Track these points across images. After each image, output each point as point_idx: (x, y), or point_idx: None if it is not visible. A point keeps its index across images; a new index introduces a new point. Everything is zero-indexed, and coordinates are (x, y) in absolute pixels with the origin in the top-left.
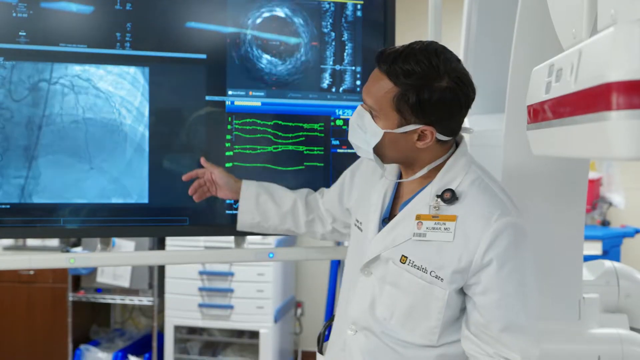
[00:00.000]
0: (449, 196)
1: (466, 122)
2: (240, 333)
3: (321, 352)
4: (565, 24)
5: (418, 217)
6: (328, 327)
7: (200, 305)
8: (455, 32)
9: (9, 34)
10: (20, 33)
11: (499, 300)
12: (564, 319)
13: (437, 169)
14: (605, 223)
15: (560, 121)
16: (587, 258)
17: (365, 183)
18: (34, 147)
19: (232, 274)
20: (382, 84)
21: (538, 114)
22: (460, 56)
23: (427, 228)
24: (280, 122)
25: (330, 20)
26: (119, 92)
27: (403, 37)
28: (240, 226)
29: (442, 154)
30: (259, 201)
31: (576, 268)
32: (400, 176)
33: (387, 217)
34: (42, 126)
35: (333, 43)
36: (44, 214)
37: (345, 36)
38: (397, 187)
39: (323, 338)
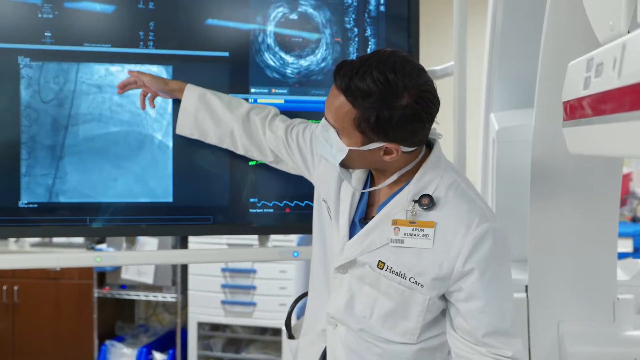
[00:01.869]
0: (427, 202)
1: (435, 127)
2: (263, 330)
3: (292, 337)
4: (602, 16)
5: (394, 223)
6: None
7: (223, 302)
8: (481, 25)
9: (35, 35)
10: (45, 34)
11: (483, 307)
12: (598, 320)
13: (411, 172)
14: (635, 219)
15: (602, 118)
16: (619, 256)
17: None
18: (61, 147)
19: (254, 271)
20: (340, 104)
21: (575, 110)
22: (486, 49)
23: (404, 234)
24: (306, 120)
25: (353, 16)
26: None
27: (427, 31)
28: (179, 133)
29: (412, 159)
30: (198, 118)
31: (610, 268)
32: (370, 178)
33: (364, 217)
34: (69, 126)
35: (356, 39)
36: (70, 213)
37: (369, 31)
38: (371, 185)
39: (290, 323)
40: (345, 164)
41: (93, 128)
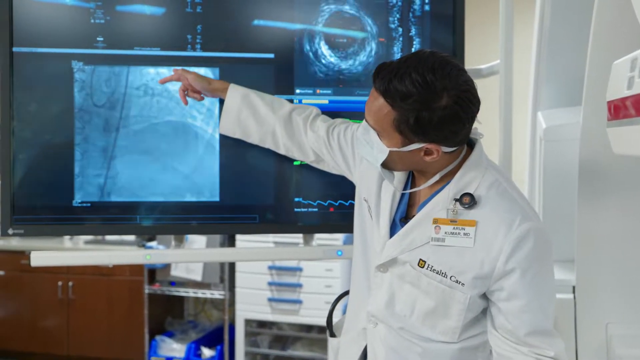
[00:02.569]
0: (468, 201)
1: (476, 126)
2: (308, 328)
3: (333, 335)
4: None
5: (435, 221)
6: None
7: (270, 300)
8: (527, 23)
9: (88, 39)
10: (98, 38)
11: (524, 306)
12: None
13: (452, 171)
14: None
15: None
16: None
17: None
18: (112, 147)
19: (300, 269)
20: (380, 106)
21: (619, 110)
22: (533, 47)
23: (445, 233)
24: (348, 119)
25: (398, 15)
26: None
27: (473, 30)
28: (222, 132)
29: (454, 159)
30: (240, 117)
31: None
32: (411, 178)
33: (404, 217)
34: (119, 127)
35: (400, 38)
36: (121, 212)
37: (413, 31)
38: (411, 185)
39: (332, 322)
40: (386, 165)
41: (143, 129)
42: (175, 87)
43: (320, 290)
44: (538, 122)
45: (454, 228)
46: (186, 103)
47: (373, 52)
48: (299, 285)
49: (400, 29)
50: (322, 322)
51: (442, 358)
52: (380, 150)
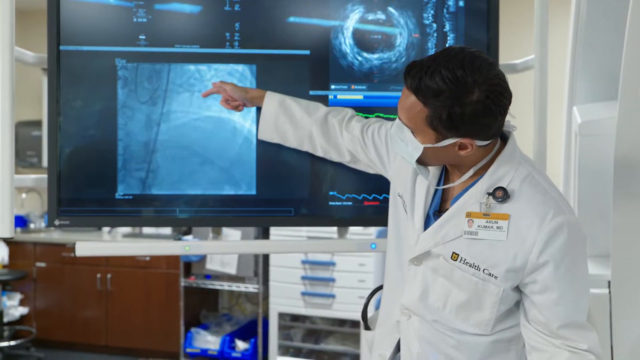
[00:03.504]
0: (501, 195)
1: (509, 119)
2: (341, 322)
3: (368, 328)
4: None
5: (468, 215)
6: (368, 303)
7: (303, 294)
8: (562, 17)
9: (131, 37)
10: (140, 36)
11: (558, 299)
12: None
13: (485, 165)
14: None
15: None
16: None
17: None
18: (153, 142)
19: (333, 264)
20: (412, 103)
21: None
22: (569, 41)
23: (478, 226)
24: (382, 115)
25: (432, 12)
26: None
27: (508, 26)
28: (261, 138)
29: (487, 153)
30: (278, 123)
31: None
32: (445, 173)
33: (438, 210)
34: (160, 123)
35: (435, 34)
36: (161, 204)
37: (447, 27)
38: (445, 179)
39: (367, 314)
40: (421, 162)
41: (183, 124)
42: (212, 80)
43: (353, 285)
44: (573, 117)
45: (487, 222)
46: (232, 109)
47: (407, 48)
48: (332, 280)
49: (434, 25)
50: (355, 316)
51: (476, 350)
52: (414, 147)
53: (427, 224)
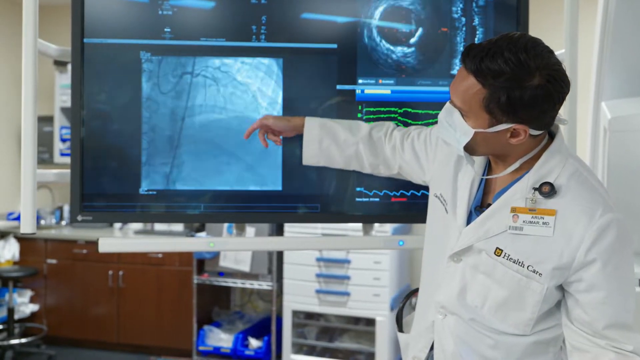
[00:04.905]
0: (548, 190)
1: (561, 112)
2: (356, 320)
3: (402, 330)
4: None
5: (513, 210)
6: (403, 306)
7: (317, 292)
8: (590, 10)
9: (156, 30)
10: (165, 29)
11: (604, 298)
12: None
13: (531, 160)
14: None
15: None
16: None
17: (447, 155)
18: (178, 137)
19: (348, 262)
20: (469, 85)
21: None
22: (596, 35)
23: (523, 222)
24: (409, 109)
25: (461, 5)
26: (254, 82)
27: (538, 20)
28: (306, 163)
29: (535, 146)
30: (322, 146)
31: None
32: (487, 166)
33: (479, 205)
34: (185, 117)
35: (464, 28)
36: (186, 200)
37: (477, 21)
38: (488, 174)
39: (402, 317)
40: (469, 149)
41: (208, 118)
42: (242, 76)
43: (368, 283)
44: (602, 113)
45: (532, 217)
46: (267, 145)
47: (435, 42)
48: (347, 278)
49: (463, 19)
50: (370, 314)
51: (514, 351)
52: (464, 132)
53: (469, 220)
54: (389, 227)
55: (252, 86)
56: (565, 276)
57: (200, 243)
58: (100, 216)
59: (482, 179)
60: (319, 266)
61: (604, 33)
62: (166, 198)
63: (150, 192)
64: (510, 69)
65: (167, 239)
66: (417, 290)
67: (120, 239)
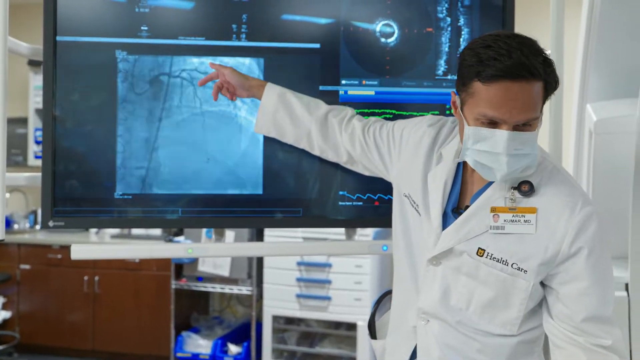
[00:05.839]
0: (527, 188)
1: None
2: (337, 325)
3: (375, 337)
4: None
5: (493, 210)
6: (375, 312)
7: (298, 296)
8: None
9: (132, 28)
10: (142, 27)
11: (585, 289)
12: None
13: None
14: None
15: None
16: None
17: (413, 154)
18: (154, 139)
19: (329, 265)
20: (533, 88)
21: None
22: (581, 38)
23: (504, 221)
24: (394, 111)
25: (446, 5)
26: None
27: (523, 21)
28: (257, 132)
29: None
30: (276, 117)
31: None
32: (463, 167)
33: (456, 207)
34: (162, 118)
35: (449, 29)
36: (163, 204)
37: (462, 21)
38: (462, 175)
39: (374, 323)
40: None
41: (186, 120)
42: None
43: (349, 287)
44: (587, 115)
45: (513, 216)
46: (215, 99)
47: (420, 43)
48: (328, 282)
49: (448, 19)
50: (351, 319)
51: (501, 352)
52: (535, 140)
53: (444, 223)
54: (370, 231)
55: None
56: (548, 270)
57: (178, 249)
58: (73, 221)
59: (455, 180)
60: (300, 270)
61: (589, 35)
62: (142, 202)
63: (126, 196)
64: (545, 56)
65: (143, 245)
66: (387, 293)
67: (94, 245)
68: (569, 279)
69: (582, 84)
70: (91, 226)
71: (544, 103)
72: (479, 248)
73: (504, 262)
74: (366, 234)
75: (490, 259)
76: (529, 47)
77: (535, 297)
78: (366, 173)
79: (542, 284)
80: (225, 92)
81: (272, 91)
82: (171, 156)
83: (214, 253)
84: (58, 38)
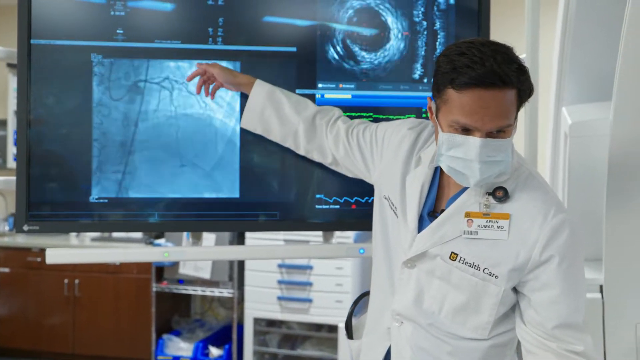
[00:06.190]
0: (502, 194)
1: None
2: (318, 327)
3: (351, 337)
4: None
5: (468, 215)
6: (352, 313)
7: (279, 298)
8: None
9: (107, 32)
10: (117, 31)
11: (557, 297)
12: None
13: None
14: None
15: None
16: None
17: (393, 157)
18: (130, 142)
19: (310, 268)
20: (507, 98)
21: None
22: (556, 41)
23: (478, 226)
24: (371, 114)
25: (422, 9)
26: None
27: (498, 25)
28: (243, 127)
29: None
30: (264, 115)
31: None
32: (440, 171)
33: (432, 211)
34: (138, 122)
35: (425, 32)
36: (139, 208)
37: (438, 25)
38: (439, 179)
39: (351, 324)
40: None
41: (162, 124)
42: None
43: (330, 289)
44: (562, 118)
45: (487, 221)
46: (198, 92)
47: (396, 46)
48: (309, 284)
49: (424, 23)
50: (332, 321)
51: (472, 356)
52: (510, 147)
53: (421, 226)
54: (351, 234)
55: None
56: (520, 277)
57: (153, 253)
58: (48, 225)
59: (432, 183)
60: (281, 273)
61: (564, 39)
62: (118, 206)
63: (101, 200)
64: (519, 63)
65: (119, 249)
66: (365, 294)
67: (69, 250)
68: (540, 286)
69: (558, 87)
70: (66, 230)
71: (518, 110)
72: (452, 252)
73: (476, 267)
74: (347, 236)
75: (463, 263)
76: (503, 54)
77: (506, 302)
78: (349, 175)
79: (516, 289)
80: (208, 86)
81: (260, 88)
82: (147, 160)
83: (190, 257)
84: (32, 41)
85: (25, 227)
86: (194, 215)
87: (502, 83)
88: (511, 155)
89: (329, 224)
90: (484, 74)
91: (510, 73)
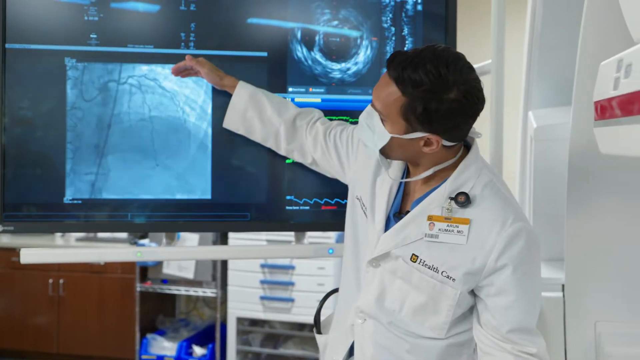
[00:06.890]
0: (463, 200)
1: (474, 127)
2: (301, 326)
3: (320, 332)
4: (636, 15)
5: (430, 218)
6: (321, 308)
7: (262, 298)
8: (520, 22)
9: (81, 36)
10: (91, 35)
11: (512, 303)
12: (637, 321)
13: (447, 170)
14: None
15: (630, 119)
16: None
17: (367, 158)
18: (104, 145)
19: (293, 268)
20: (390, 91)
21: (605, 110)
22: (525, 47)
23: (439, 230)
24: (341, 117)
25: (390, 15)
26: (183, 91)
27: (465, 29)
28: (225, 127)
29: (451, 156)
30: (246, 116)
31: None
32: (406, 172)
33: (398, 212)
34: (112, 125)
35: (393, 38)
36: (112, 209)
37: (406, 30)
38: (406, 182)
39: (319, 319)
40: (384, 152)
41: (135, 127)
42: (170, 83)
43: (312, 289)
44: (529, 122)
45: (448, 225)
46: (176, 75)
47: (365, 51)
48: (291, 284)
49: (392, 29)
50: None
51: (429, 354)
52: (381, 135)
53: (387, 226)
54: (333, 234)
55: (180, 95)
56: (476, 281)
57: (127, 253)
58: (23, 226)
59: (400, 185)
60: (264, 272)
61: (532, 43)
62: (92, 207)
63: (75, 201)
64: (429, 81)
65: (93, 249)
66: (334, 291)
67: (44, 249)
68: (495, 292)
69: (527, 92)
70: (41, 230)
71: (404, 116)
72: (413, 254)
73: (435, 270)
74: (329, 236)
75: (423, 265)
76: (425, 64)
77: (463, 304)
78: (328, 175)
79: (474, 293)
80: (184, 75)
81: (243, 90)
82: (120, 162)
83: (163, 257)
84: (7, 45)
85: (0, 228)
86: (167, 216)
87: (388, 69)
88: (375, 141)
89: (299, 225)
90: (388, 59)
91: (404, 74)
